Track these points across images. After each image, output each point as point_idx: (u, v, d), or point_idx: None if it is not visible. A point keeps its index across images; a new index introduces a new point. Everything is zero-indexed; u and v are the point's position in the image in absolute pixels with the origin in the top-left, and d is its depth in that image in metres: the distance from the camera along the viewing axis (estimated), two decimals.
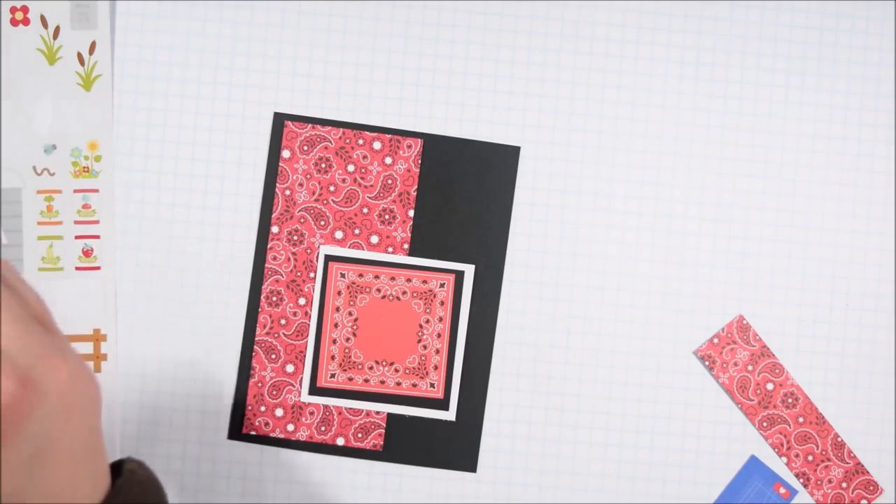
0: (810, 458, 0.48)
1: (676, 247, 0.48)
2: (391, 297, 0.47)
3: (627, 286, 0.48)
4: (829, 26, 0.48)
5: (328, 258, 0.47)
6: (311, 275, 0.47)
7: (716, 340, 0.48)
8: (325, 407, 0.47)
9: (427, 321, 0.47)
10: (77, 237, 0.47)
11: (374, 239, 0.47)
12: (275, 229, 0.47)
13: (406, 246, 0.47)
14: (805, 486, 0.48)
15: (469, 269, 0.47)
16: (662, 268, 0.48)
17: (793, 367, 0.48)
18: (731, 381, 0.48)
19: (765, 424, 0.48)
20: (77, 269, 0.47)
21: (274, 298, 0.47)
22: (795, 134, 0.48)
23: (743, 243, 0.48)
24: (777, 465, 0.48)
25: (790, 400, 0.48)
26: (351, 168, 0.47)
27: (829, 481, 0.48)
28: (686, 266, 0.48)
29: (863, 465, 0.48)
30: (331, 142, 0.47)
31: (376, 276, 0.47)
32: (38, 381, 0.29)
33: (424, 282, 0.47)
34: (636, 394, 0.48)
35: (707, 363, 0.48)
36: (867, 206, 0.48)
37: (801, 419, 0.48)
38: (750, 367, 0.48)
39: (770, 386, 0.48)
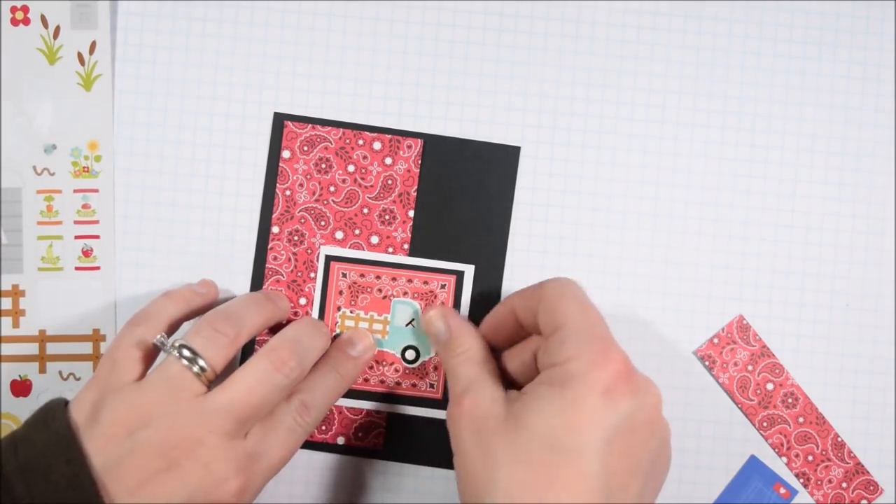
0: (810, 458, 0.48)
1: (676, 247, 0.48)
2: (392, 298, 0.47)
3: (627, 286, 0.48)
4: (829, 26, 0.48)
5: (329, 258, 0.47)
6: (312, 275, 0.47)
7: (716, 340, 0.48)
8: None
9: None
10: (77, 237, 0.47)
11: (375, 239, 0.47)
12: (275, 229, 0.47)
13: (406, 246, 0.47)
14: (805, 486, 0.48)
15: (469, 270, 0.47)
16: (662, 268, 0.48)
17: (793, 367, 0.48)
18: (731, 381, 0.48)
19: (765, 424, 0.48)
20: (77, 269, 0.47)
21: None
22: (795, 134, 0.48)
23: (743, 243, 0.48)
24: (777, 465, 0.48)
25: (790, 400, 0.48)
26: (351, 168, 0.47)
27: (829, 481, 0.48)
28: (686, 266, 0.48)
29: (863, 465, 0.48)
30: (331, 142, 0.47)
31: (377, 277, 0.47)
32: (639, 385, 0.37)
33: (425, 282, 0.47)
34: None
35: (707, 363, 0.48)
36: (867, 206, 0.48)
37: (801, 419, 0.48)
38: (750, 367, 0.48)
39: (770, 386, 0.48)
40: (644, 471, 0.37)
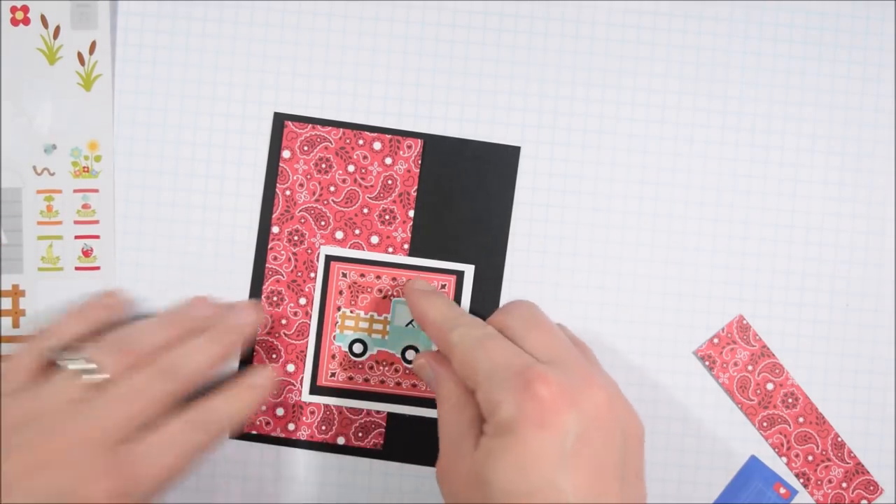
0: (810, 458, 0.48)
1: (676, 247, 0.48)
2: (392, 298, 0.47)
3: (627, 286, 0.48)
4: (829, 26, 0.48)
5: (329, 258, 0.47)
6: (312, 275, 0.47)
7: (716, 340, 0.48)
8: (326, 406, 0.47)
9: None
10: (77, 237, 0.47)
11: (375, 239, 0.47)
12: (275, 229, 0.47)
13: (406, 246, 0.47)
14: (805, 486, 0.48)
15: (469, 270, 0.47)
16: (662, 268, 0.48)
17: (793, 367, 0.48)
18: (731, 381, 0.48)
19: (765, 424, 0.48)
20: (77, 269, 0.47)
21: (275, 298, 0.47)
22: (795, 134, 0.48)
23: (743, 243, 0.48)
24: (777, 465, 0.48)
25: (790, 400, 0.48)
26: (351, 168, 0.47)
27: (829, 481, 0.48)
28: (686, 266, 0.48)
29: (863, 465, 0.48)
30: (331, 142, 0.47)
31: (378, 277, 0.47)
32: (574, 395, 0.36)
33: None
34: (636, 394, 0.48)
35: (707, 363, 0.48)
36: (867, 206, 0.48)
37: (801, 419, 0.48)
38: (750, 367, 0.48)
39: (770, 386, 0.48)
40: (619, 466, 0.36)
